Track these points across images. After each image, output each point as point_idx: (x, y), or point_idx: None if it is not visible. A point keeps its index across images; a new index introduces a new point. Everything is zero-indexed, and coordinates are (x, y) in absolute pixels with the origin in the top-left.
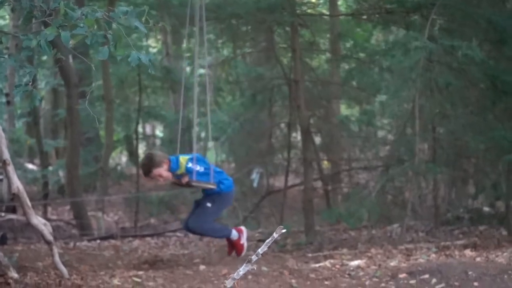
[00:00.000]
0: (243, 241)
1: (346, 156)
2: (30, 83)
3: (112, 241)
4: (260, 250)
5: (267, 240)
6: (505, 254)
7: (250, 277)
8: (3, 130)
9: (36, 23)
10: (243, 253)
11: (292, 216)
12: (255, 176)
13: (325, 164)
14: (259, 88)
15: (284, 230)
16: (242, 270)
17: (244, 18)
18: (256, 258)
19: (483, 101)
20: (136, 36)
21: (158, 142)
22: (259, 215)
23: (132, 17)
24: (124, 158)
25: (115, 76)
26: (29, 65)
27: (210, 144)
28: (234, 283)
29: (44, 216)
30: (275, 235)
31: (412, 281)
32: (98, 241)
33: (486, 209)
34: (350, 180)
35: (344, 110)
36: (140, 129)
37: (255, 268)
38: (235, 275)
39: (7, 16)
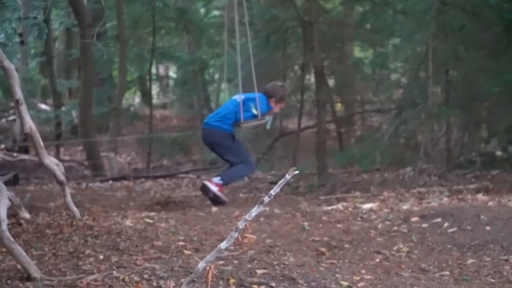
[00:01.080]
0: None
1: (359, 99)
2: (40, 17)
3: (125, 182)
4: (272, 192)
5: (280, 182)
6: None
7: (262, 219)
8: (16, 69)
9: None
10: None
11: (305, 159)
12: (268, 118)
13: (339, 106)
14: (273, 30)
15: (296, 172)
16: (254, 211)
17: None
18: (269, 199)
19: (497, 44)
20: None
21: (171, 83)
22: (272, 157)
23: None
24: (137, 99)
25: (129, 16)
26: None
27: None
28: (246, 224)
29: (57, 156)
30: (287, 176)
31: (425, 225)
32: (111, 182)
33: (498, 153)
34: (363, 123)
35: (357, 52)
36: (153, 70)
37: (267, 210)
38: (247, 217)
39: None
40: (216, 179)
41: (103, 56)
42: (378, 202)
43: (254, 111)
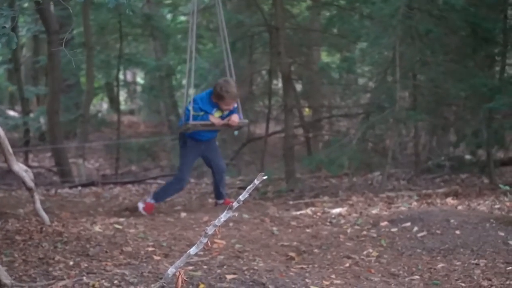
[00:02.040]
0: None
1: (326, 103)
2: (8, 26)
3: (93, 188)
4: (241, 197)
5: (248, 187)
6: (486, 202)
7: (231, 224)
8: None
9: None
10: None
11: (273, 164)
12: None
13: (306, 111)
14: (240, 35)
15: (265, 177)
16: (223, 217)
17: None
18: (237, 205)
19: (464, 49)
20: None
21: (139, 89)
22: (240, 162)
23: None
24: (105, 105)
25: (95, 22)
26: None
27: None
28: (215, 230)
29: (25, 163)
30: (256, 182)
31: (394, 229)
32: (79, 188)
33: (467, 157)
34: (330, 127)
35: (324, 57)
36: (121, 76)
37: (236, 215)
38: (216, 222)
39: None
40: (148, 199)
41: (70, 63)
42: (347, 207)
43: (191, 112)
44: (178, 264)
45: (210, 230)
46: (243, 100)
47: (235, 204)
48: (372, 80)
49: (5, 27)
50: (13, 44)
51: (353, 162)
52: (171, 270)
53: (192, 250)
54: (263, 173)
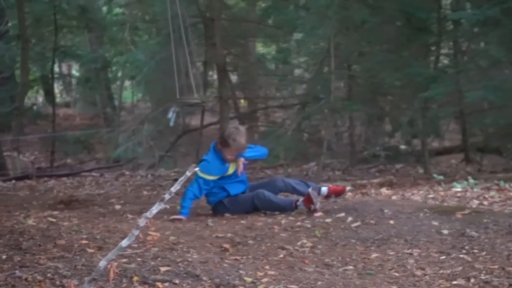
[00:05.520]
0: None
1: (262, 95)
2: None
3: (28, 181)
4: (173, 189)
5: (180, 179)
6: (421, 192)
7: (165, 216)
8: None
9: None
10: None
11: None
12: (171, 115)
13: (242, 102)
14: (175, 27)
15: (197, 169)
16: (155, 209)
17: None
18: (169, 196)
19: (399, 38)
20: None
21: (74, 81)
22: (176, 154)
23: None
24: (40, 98)
25: (30, 15)
26: None
27: None
28: (147, 222)
29: None
30: (188, 173)
31: (328, 220)
32: (14, 181)
33: (402, 147)
34: (266, 119)
35: (260, 48)
36: (56, 69)
37: (168, 207)
38: (147, 214)
39: None
40: None
41: (5, 55)
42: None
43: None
44: (109, 257)
45: (142, 222)
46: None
47: (166, 196)
48: (308, 71)
49: None
50: None
51: (289, 152)
52: (102, 263)
53: (124, 243)
54: (194, 164)
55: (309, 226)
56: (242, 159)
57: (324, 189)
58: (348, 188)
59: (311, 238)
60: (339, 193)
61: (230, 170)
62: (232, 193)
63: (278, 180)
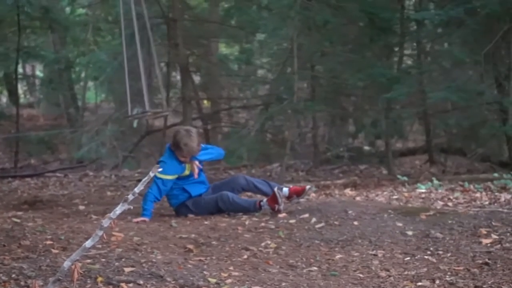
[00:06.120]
0: None
1: (225, 95)
2: None
3: None
4: (136, 190)
5: (144, 179)
6: (385, 193)
7: (129, 217)
8: None
9: None
10: None
11: None
12: (136, 111)
13: (205, 103)
14: (138, 27)
15: (160, 169)
16: (118, 209)
17: None
18: (133, 197)
19: (362, 39)
20: None
21: (38, 82)
22: (139, 154)
23: None
24: (4, 98)
25: None
26: None
27: None
28: (110, 223)
29: None
30: (151, 173)
31: (292, 221)
32: None
33: (366, 147)
34: (230, 119)
35: (223, 48)
36: (20, 69)
37: (132, 208)
38: (111, 215)
39: None
40: None
41: None
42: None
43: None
44: (74, 257)
45: (105, 222)
46: (142, 93)
47: (130, 197)
48: (271, 71)
49: None
50: None
51: (252, 153)
52: (66, 263)
53: (88, 243)
54: (158, 165)
55: (273, 227)
56: (196, 162)
57: (285, 190)
58: (308, 187)
59: (275, 239)
60: (299, 193)
61: (187, 171)
62: (194, 194)
63: (240, 178)
